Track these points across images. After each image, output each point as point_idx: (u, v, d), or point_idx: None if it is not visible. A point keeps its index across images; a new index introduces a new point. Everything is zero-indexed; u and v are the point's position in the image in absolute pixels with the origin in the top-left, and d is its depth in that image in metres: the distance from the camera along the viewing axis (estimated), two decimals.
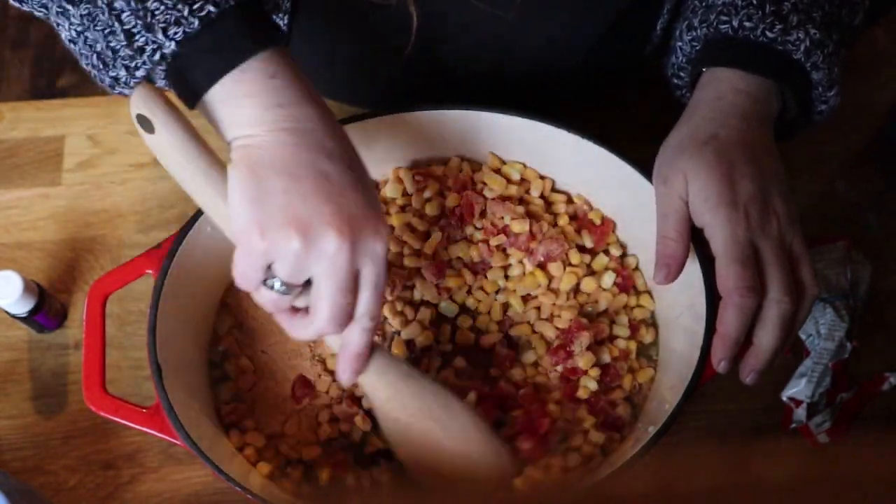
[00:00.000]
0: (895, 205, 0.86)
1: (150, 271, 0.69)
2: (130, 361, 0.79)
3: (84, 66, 0.59)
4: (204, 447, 0.63)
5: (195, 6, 0.53)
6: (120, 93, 0.58)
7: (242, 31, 0.55)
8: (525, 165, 0.78)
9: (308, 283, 0.57)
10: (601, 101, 0.86)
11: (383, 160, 0.78)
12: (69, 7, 0.57)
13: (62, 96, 1.60)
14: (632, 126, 0.80)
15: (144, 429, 0.65)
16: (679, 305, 0.71)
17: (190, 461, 0.74)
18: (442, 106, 0.75)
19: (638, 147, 0.71)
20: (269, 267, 0.56)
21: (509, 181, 0.77)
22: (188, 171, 0.58)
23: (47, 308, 0.77)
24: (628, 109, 0.87)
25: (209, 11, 0.53)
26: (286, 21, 0.77)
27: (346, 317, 0.57)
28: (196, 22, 0.53)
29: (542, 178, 0.78)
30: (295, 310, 0.59)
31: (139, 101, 0.57)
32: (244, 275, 0.56)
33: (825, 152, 0.87)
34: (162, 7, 0.53)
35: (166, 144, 0.58)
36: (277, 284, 0.56)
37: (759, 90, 0.66)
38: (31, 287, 0.75)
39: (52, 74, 1.65)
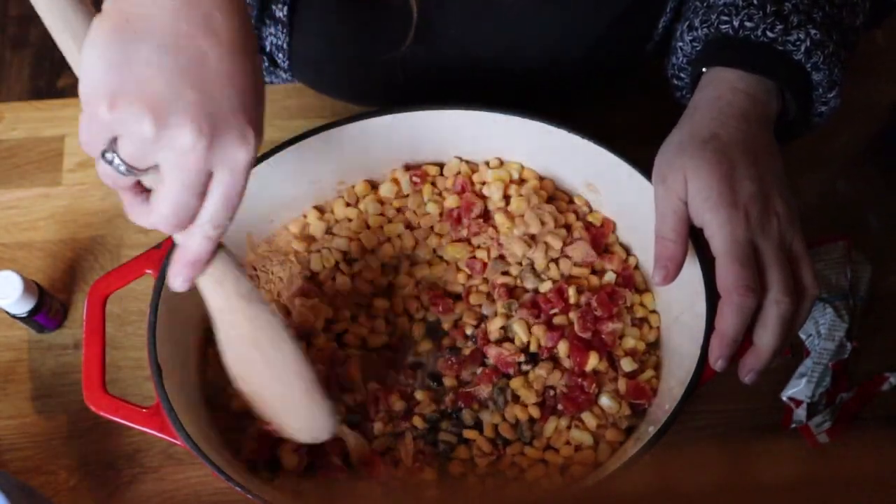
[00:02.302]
0: (895, 205, 0.86)
1: (150, 271, 0.69)
2: (130, 361, 0.79)
3: None
4: (204, 447, 0.63)
5: None
6: None
7: None
8: (523, 166, 0.78)
9: (154, 168, 0.51)
10: (601, 100, 0.86)
11: (382, 160, 0.78)
12: None
13: (62, 96, 1.60)
14: (632, 126, 0.80)
15: (144, 429, 0.65)
16: (679, 305, 0.71)
17: (190, 461, 0.74)
18: (441, 106, 0.75)
19: (638, 147, 0.70)
20: (114, 140, 0.50)
21: (510, 181, 0.78)
22: (52, 7, 0.51)
23: (47, 308, 0.77)
24: (628, 109, 0.87)
25: None
26: (286, 13, 0.77)
27: (187, 218, 0.52)
28: None
29: (541, 178, 0.78)
30: (140, 189, 0.53)
31: None
32: (86, 142, 0.50)
33: (825, 152, 0.87)
34: None
35: None
36: (117, 161, 0.50)
37: (759, 90, 0.66)
38: (31, 287, 0.75)
39: (52, 74, 1.65)
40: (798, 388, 0.76)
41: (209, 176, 0.51)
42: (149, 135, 0.48)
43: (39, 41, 1.68)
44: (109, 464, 0.75)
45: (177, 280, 0.56)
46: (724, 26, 0.67)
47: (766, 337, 0.61)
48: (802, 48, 0.65)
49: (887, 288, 0.81)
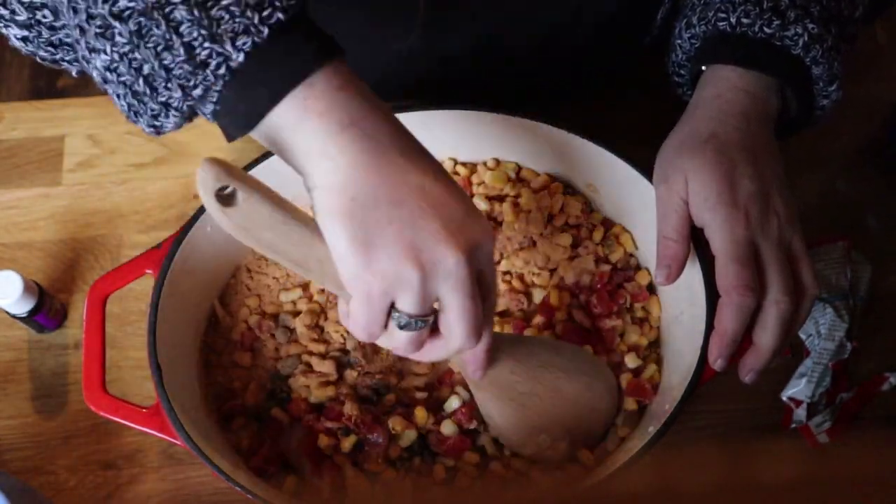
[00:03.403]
0: (895, 205, 0.86)
1: (150, 271, 0.69)
2: (130, 361, 0.79)
3: (119, 104, 0.53)
4: (204, 447, 0.63)
5: (264, 13, 0.48)
6: (160, 126, 0.52)
7: (311, 41, 0.50)
8: (520, 165, 0.78)
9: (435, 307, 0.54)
10: (601, 100, 0.86)
11: None
12: (116, 24, 0.49)
13: (62, 96, 1.60)
14: (632, 126, 0.80)
15: (144, 429, 0.65)
16: (679, 305, 0.71)
17: (190, 461, 0.74)
18: (441, 106, 0.75)
19: (638, 147, 0.70)
20: (392, 307, 0.53)
21: (507, 180, 0.78)
22: (280, 240, 0.54)
23: (47, 308, 0.77)
24: (628, 109, 0.87)
25: (278, 19, 0.48)
26: None
27: (481, 326, 0.55)
28: (266, 30, 0.48)
29: (538, 175, 0.78)
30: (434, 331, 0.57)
31: (213, 172, 0.51)
32: (368, 325, 0.53)
33: (825, 152, 0.87)
34: (228, 16, 0.47)
35: (252, 214, 0.53)
36: (411, 322, 0.53)
37: (759, 88, 0.66)
38: (31, 287, 0.75)
39: (52, 74, 1.65)
40: (798, 388, 0.76)
41: (478, 278, 0.54)
42: (418, 278, 0.51)
43: None
44: (109, 464, 0.75)
45: (478, 374, 0.63)
46: (721, 23, 0.67)
47: (766, 337, 0.62)
48: (801, 42, 0.65)
49: (887, 288, 0.81)
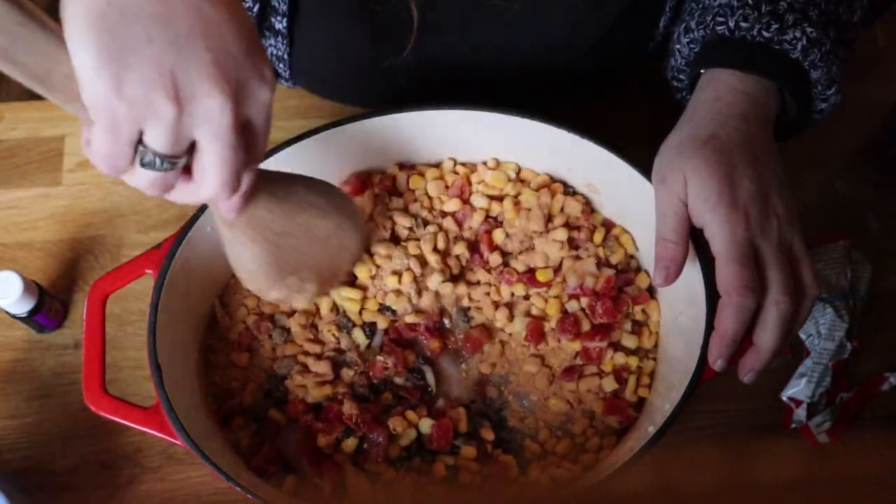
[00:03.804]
0: (895, 205, 0.86)
1: (150, 271, 0.69)
2: (130, 361, 0.79)
3: None
4: (204, 447, 0.63)
5: None
6: None
7: None
8: (520, 166, 0.78)
9: (191, 147, 0.48)
10: (601, 100, 0.86)
11: (382, 160, 0.78)
12: None
13: None
14: (632, 126, 0.80)
15: (144, 429, 0.65)
16: (679, 306, 0.71)
17: (190, 461, 0.75)
18: (441, 106, 0.75)
19: (638, 147, 0.70)
20: (139, 140, 0.47)
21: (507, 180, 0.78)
22: (17, 46, 0.46)
23: (47, 308, 0.77)
24: (628, 109, 0.87)
25: None
26: (285, 25, 0.77)
27: (238, 176, 0.50)
28: None
29: (538, 175, 0.78)
30: (186, 171, 0.51)
31: None
32: (109, 156, 0.47)
33: (825, 152, 0.87)
34: None
35: None
36: (156, 160, 0.47)
37: (758, 91, 0.66)
38: (31, 287, 0.75)
39: None
40: (798, 388, 0.76)
41: (244, 125, 0.49)
42: (176, 114, 0.45)
43: None
44: (109, 464, 0.75)
45: (231, 214, 0.56)
46: (719, 27, 0.67)
47: (766, 337, 0.62)
48: (799, 46, 0.65)
49: (887, 288, 0.81)
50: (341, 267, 0.67)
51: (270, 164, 0.73)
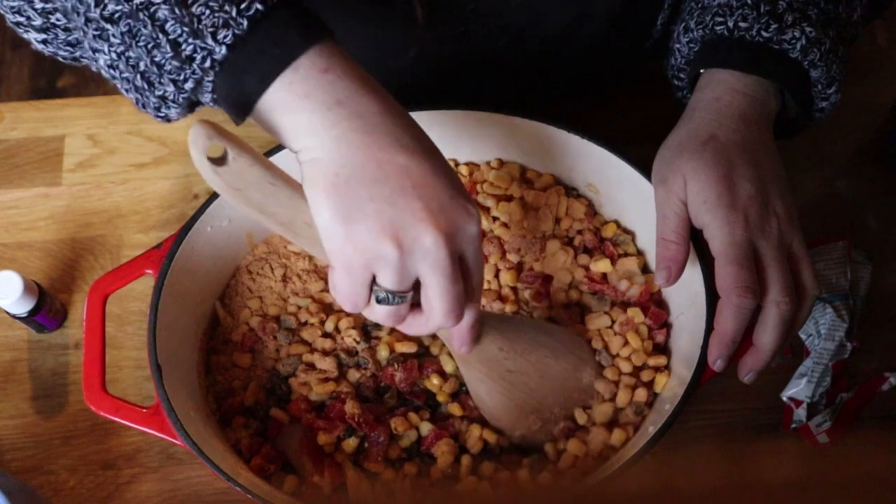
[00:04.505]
0: (895, 205, 0.86)
1: (150, 271, 0.69)
2: (130, 361, 0.79)
3: (128, 96, 0.55)
4: (204, 447, 0.63)
5: (242, 6, 0.50)
6: (165, 116, 0.55)
7: (291, 27, 0.51)
8: (524, 167, 0.78)
9: (417, 283, 0.56)
10: (601, 100, 0.86)
11: None
12: (108, 27, 0.52)
13: (62, 96, 1.60)
14: (632, 126, 0.80)
15: (144, 429, 0.65)
16: (679, 306, 0.71)
17: (190, 461, 0.74)
18: (442, 106, 0.75)
19: (638, 147, 0.71)
20: (373, 281, 0.55)
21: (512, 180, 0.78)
22: (269, 200, 0.55)
23: (47, 308, 0.77)
24: (628, 109, 0.87)
25: (257, 10, 0.50)
26: None
27: (461, 306, 0.57)
28: (245, 22, 0.50)
29: (542, 175, 0.78)
30: (416, 307, 0.58)
31: (204, 133, 0.53)
32: (350, 296, 0.55)
33: (825, 152, 0.87)
34: (208, 11, 0.50)
35: (242, 174, 0.54)
36: (388, 296, 0.55)
37: (757, 91, 0.66)
38: (31, 287, 0.75)
39: (52, 74, 1.65)
40: (798, 388, 0.76)
41: (459, 260, 0.55)
42: (397, 256, 0.53)
43: None
44: (109, 464, 0.75)
45: (464, 349, 0.64)
46: (719, 27, 0.67)
47: (766, 337, 0.62)
48: (798, 46, 0.65)
49: (887, 288, 0.81)
50: (579, 407, 0.69)
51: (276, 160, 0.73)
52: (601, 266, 0.74)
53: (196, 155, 0.53)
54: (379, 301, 0.56)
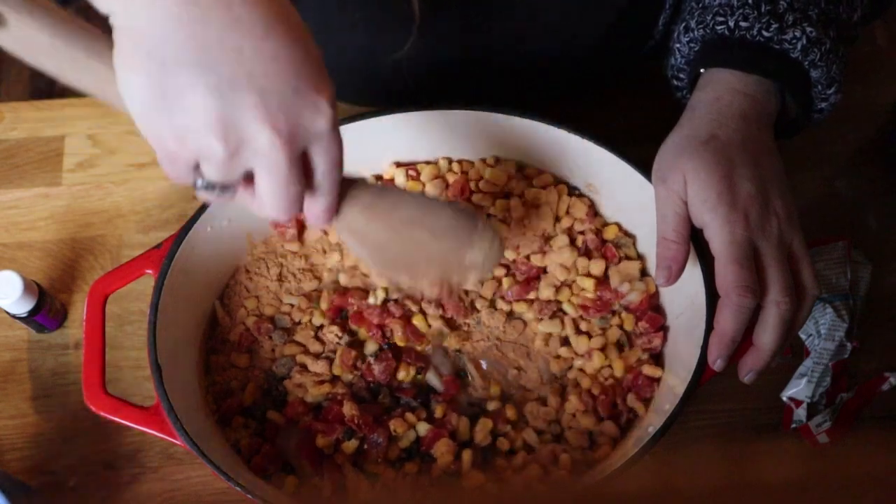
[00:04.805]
0: (895, 205, 0.86)
1: (150, 271, 0.69)
2: (130, 361, 0.79)
3: None
4: (204, 447, 0.63)
5: None
6: None
7: None
8: (522, 164, 0.78)
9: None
10: (601, 100, 0.86)
11: (382, 160, 0.78)
12: None
13: (62, 96, 1.60)
14: (632, 126, 0.80)
15: (144, 429, 0.65)
16: (679, 305, 0.71)
17: (190, 461, 0.74)
18: (440, 107, 0.75)
19: (638, 147, 0.71)
20: (197, 166, 0.49)
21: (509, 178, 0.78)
22: (68, 68, 0.49)
23: (47, 308, 0.77)
24: (628, 109, 0.87)
25: None
26: None
27: (295, 203, 0.51)
28: None
29: (542, 172, 0.78)
30: (247, 184, 0.52)
31: None
32: (171, 175, 0.50)
33: (825, 152, 0.87)
34: None
35: (29, 40, 0.48)
36: (208, 186, 0.50)
37: (758, 90, 0.66)
38: (31, 287, 0.75)
39: None
40: (798, 388, 0.76)
41: (302, 156, 0.50)
42: (223, 154, 0.47)
43: None
44: (109, 464, 0.75)
45: (319, 224, 0.56)
46: (719, 27, 0.67)
47: (766, 337, 0.62)
48: (799, 46, 0.65)
49: (887, 288, 0.81)
50: (465, 283, 0.65)
51: None
52: (595, 268, 0.74)
53: None
54: (198, 188, 0.51)
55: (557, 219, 0.76)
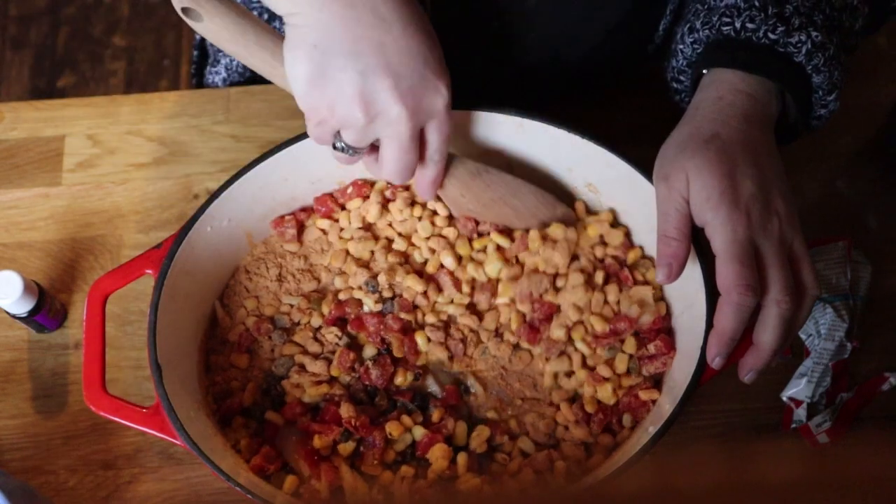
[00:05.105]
0: (895, 205, 0.86)
1: (150, 271, 0.69)
2: (130, 361, 0.79)
3: None
4: (204, 447, 0.63)
5: None
6: None
7: None
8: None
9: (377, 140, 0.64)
10: (602, 101, 0.86)
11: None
12: None
13: (62, 96, 1.60)
14: (632, 126, 0.80)
15: (144, 429, 0.65)
16: (679, 304, 0.71)
17: (190, 461, 0.75)
18: None
19: (638, 147, 0.70)
20: (338, 133, 0.64)
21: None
22: (245, 51, 0.63)
23: (47, 308, 0.77)
24: (629, 110, 0.87)
25: None
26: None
27: (410, 171, 0.65)
28: None
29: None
30: (371, 151, 0.66)
31: None
32: (315, 137, 0.65)
33: (825, 152, 0.87)
34: None
35: (218, 32, 0.62)
36: (346, 147, 0.64)
37: (760, 92, 0.66)
38: (31, 287, 0.75)
39: (52, 74, 1.65)
40: (798, 388, 0.76)
41: (421, 131, 0.64)
42: (363, 122, 0.61)
43: (39, 41, 1.68)
44: (109, 464, 0.75)
45: (427, 195, 0.70)
46: (725, 28, 0.67)
47: (767, 336, 0.62)
48: (804, 50, 0.65)
49: (887, 288, 0.81)
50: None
51: (271, 164, 0.73)
52: (610, 294, 0.72)
53: (177, 9, 0.61)
54: (336, 148, 0.65)
55: (576, 257, 0.74)
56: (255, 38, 0.63)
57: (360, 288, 0.74)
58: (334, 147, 0.65)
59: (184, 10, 0.61)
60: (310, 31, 0.59)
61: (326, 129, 0.63)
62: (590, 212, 0.77)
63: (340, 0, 0.58)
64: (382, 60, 0.59)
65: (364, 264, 0.75)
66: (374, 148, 0.66)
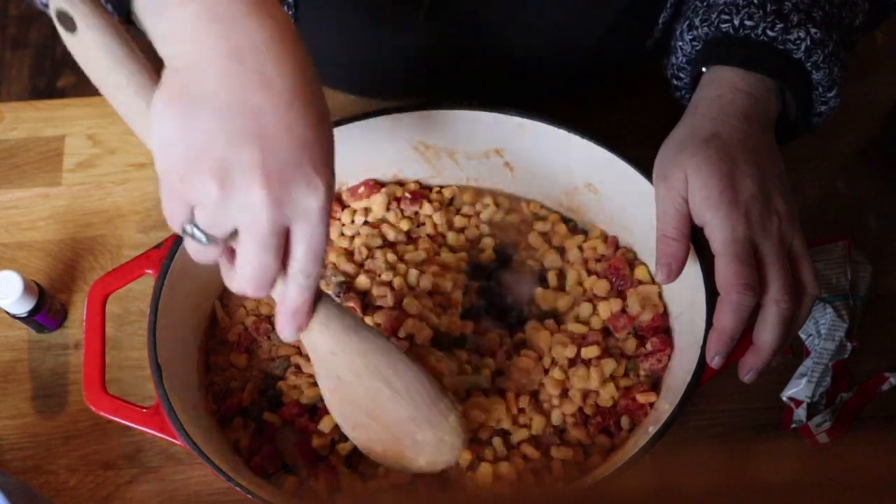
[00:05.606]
0: (895, 205, 0.86)
1: (150, 271, 0.69)
2: (130, 361, 0.79)
3: None
4: (204, 447, 0.63)
5: None
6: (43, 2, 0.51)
7: None
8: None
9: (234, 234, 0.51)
10: (602, 100, 0.86)
11: (383, 160, 0.78)
12: None
13: (62, 96, 1.60)
14: (632, 126, 0.80)
15: (144, 429, 0.65)
16: (679, 305, 0.71)
17: (190, 461, 0.75)
18: (439, 106, 0.75)
19: (638, 147, 0.71)
20: (192, 212, 0.51)
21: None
22: (112, 77, 0.52)
23: (47, 308, 0.77)
24: (628, 109, 0.87)
25: None
26: (292, 1, 0.77)
27: (269, 278, 0.52)
28: None
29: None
30: (232, 255, 0.53)
31: None
32: (169, 216, 0.52)
33: (825, 152, 0.87)
34: None
35: (88, 49, 0.51)
36: (197, 233, 0.51)
37: (759, 90, 0.66)
38: (31, 287, 0.75)
39: (52, 74, 1.65)
40: (798, 388, 0.76)
41: (285, 231, 0.51)
42: (216, 198, 0.48)
43: (39, 41, 1.68)
44: (109, 464, 0.75)
45: (285, 331, 0.56)
46: (724, 25, 0.67)
47: (767, 336, 0.62)
48: (803, 47, 0.65)
49: (887, 288, 0.81)
50: (412, 462, 0.63)
51: None
52: (613, 306, 0.72)
53: (52, 15, 0.51)
54: (185, 233, 0.51)
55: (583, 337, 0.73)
56: (128, 74, 0.52)
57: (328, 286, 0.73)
58: (184, 231, 0.51)
59: (59, 15, 0.50)
60: (185, 77, 0.48)
61: (178, 203, 0.50)
62: (575, 231, 0.78)
63: (228, 50, 0.47)
64: (255, 127, 0.48)
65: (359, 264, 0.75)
66: (233, 252, 0.53)
